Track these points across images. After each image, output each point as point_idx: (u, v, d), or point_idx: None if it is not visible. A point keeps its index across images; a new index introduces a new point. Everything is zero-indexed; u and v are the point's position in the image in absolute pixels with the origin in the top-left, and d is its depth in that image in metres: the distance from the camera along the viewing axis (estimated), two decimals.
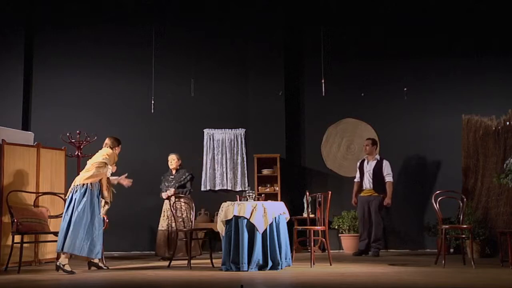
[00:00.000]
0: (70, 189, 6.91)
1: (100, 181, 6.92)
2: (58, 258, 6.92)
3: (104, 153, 7.04)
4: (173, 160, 8.82)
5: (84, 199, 6.72)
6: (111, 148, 7.16)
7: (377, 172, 8.96)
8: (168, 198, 8.37)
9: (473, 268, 6.79)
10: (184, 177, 8.74)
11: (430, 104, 10.35)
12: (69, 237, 6.57)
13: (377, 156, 9.14)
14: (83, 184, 6.79)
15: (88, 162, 7.07)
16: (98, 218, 6.82)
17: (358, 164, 9.29)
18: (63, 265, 6.61)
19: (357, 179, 9.23)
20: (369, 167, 9.06)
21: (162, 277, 6.34)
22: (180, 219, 8.41)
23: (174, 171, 8.81)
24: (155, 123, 10.44)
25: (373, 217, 8.89)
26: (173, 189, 8.56)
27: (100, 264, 7.14)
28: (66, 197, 6.99)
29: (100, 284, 5.90)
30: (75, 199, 6.75)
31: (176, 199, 8.33)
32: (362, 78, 10.52)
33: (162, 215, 8.64)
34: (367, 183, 9.01)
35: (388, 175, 8.96)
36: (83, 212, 6.67)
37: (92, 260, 7.02)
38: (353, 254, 8.99)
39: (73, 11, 10.84)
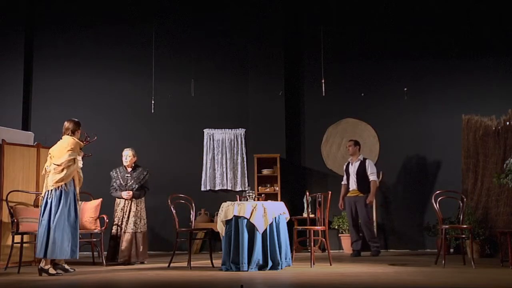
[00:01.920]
0: (43, 194, 6.64)
1: (72, 178, 6.64)
2: (39, 261, 6.73)
3: (68, 146, 6.62)
4: (128, 157, 8.14)
5: (61, 202, 6.49)
6: (73, 133, 6.75)
7: (361, 173, 9.00)
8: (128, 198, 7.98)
9: (473, 268, 6.79)
10: (142, 176, 8.15)
11: (430, 104, 10.35)
12: (51, 243, 6.39)
13: (361, 157, 9.17)
14: (58, 187, 6.53)
15: (51, 155, 6.68)
16: (77, 218, 6.59)
17: (345, 166, 9.32)
18: (47, 269, 6.50)
19: (344, 182, 9.25)
20: (353, 168, 9.10)
21: (162, 277, 6.33)
22: (136, 220, 8.00)
23: (129, 169, 8.17)
24: (155, 123, 10.44)
25: (361, 217, 8.90)
26: (131, 191, 7.99)
27: (66, 267, 6.75)
28: (40, 203, 6.75)
29: (100, 284, 5.89)
30: (51, 203, 6.51)
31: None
32: (362, 78, 10.52)
33: (114, 216, 8.02)
34: (353, 184, 9.05)
35: (372, 174, 8.99)
36: (60, 216, 6.46)
37: (57, 262, 6.70)
38: (351, 256, 8.98)
39: (73, 11, 10.85)
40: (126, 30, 10.76)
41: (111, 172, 8.26)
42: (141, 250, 8.00)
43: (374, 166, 9.09)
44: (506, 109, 8.91)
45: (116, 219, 8.01)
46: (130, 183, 8.09)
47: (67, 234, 6.48)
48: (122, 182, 8.09)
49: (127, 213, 8.00)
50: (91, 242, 8.25)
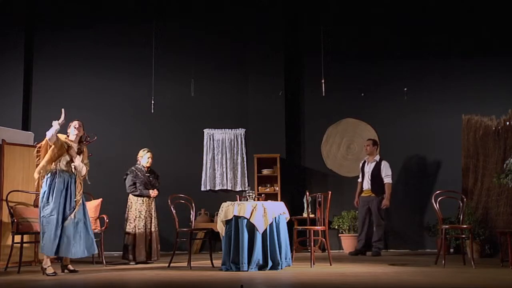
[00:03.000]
0: None
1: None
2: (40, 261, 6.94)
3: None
4: (151, 158, 8.28)
5: (43, 199, 6.57)
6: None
7: (376, 174, 9.01)
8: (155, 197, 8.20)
9: (473, 268, 6.79)
10: (157, 177, 8.39)
11: (430, 104, 10.35)
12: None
13: (376, 158, 9.17)
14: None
15: None
16: (44, 213, 6.52)
17: (361, 165, 9.34)
18: (45, 268, 6.49)
19: (360, 179, 9.30)
20: (368, 168, 9.13)
21: (162, 277, 6.33)
22: (154, 219, 8.19)
23: (147, 169, 8.29)
24: (155, 123, 10.44)
25: (373, 217, 8.92)
26: (156, 190, 8.22)
27: (71, 267, 6.76)
28: None
29: (100, 284, 5.89)
30: None
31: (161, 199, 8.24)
32: (362, 78, 10.52)
33: (137, 215, 8.04)
34: (366, 184, 9.09)
35: (386, 177, 8.99)
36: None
37: (63, 263, 6.75)
38: (349, 254, 9.03)
39: (73, 11, 10.85)
40: (126, 30, 10.75)
41: (129, 172, 8.22)
42: (157, 248, 8.19)
43: (389, 168, 9.06)
44: (506, 109, 8.91)
45: (142, 218, 8.04)
46: (153, 182, 8.25)
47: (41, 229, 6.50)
48: (146, 180, 8.19)
49: (152, 212, 8.14)
50: None
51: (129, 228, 8.02)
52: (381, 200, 8.95)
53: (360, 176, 9.29)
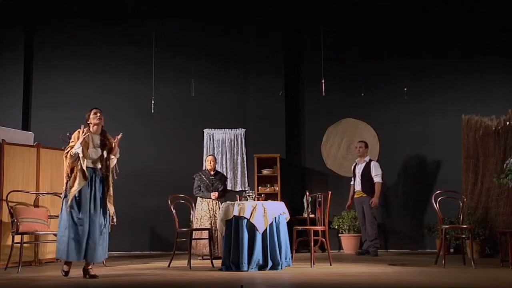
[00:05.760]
0: None
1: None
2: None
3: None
4: (212, 161, 8.73)
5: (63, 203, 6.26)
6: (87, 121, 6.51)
7: (365, 174, 9.06)
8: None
9: (473, 268, 6.79)
10: (224, 179, 8.87)
11: (430, 104, 10.35)
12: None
13: (366, 158, 9.21)
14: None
15: None
16: (62, 216, 6.15)
17: (352, 167, 9.38)
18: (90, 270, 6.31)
19: (352, 182, 9.32)
20: (358, 169, 9.18)
21: (162, 277, 6.33)
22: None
23: (212, 172, 8.72)
24: (155, 123, 10.44)
25: (366, 217, 8.96)
26: (217, 192, 8.58)
27: (92, 273, 6.32)
28: None
29: (100, 284, 5.89)
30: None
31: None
32: (362, 78, 10.51)
33: (203, 215, 8.46)
34: (358, 185, 9.13)
35: (376, 176, 9.02)
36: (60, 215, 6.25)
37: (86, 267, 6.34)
38: (356, 253, 9.12)
39: (73, 11, 10.86)
40: (126, 30, 10.75)
41: (194, 176, 8.73)
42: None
43: (379, 167, 9.10)
44: (506, 109, 8.90)
45: (207, 218, 8.40)
46: (216, 184, 8.65)
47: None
48: (208, 183, 8.64)
49: (216, 212, 8.43)
50: None
51: (195, 226, 8.25)
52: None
53: (352, 178, 9.33)
